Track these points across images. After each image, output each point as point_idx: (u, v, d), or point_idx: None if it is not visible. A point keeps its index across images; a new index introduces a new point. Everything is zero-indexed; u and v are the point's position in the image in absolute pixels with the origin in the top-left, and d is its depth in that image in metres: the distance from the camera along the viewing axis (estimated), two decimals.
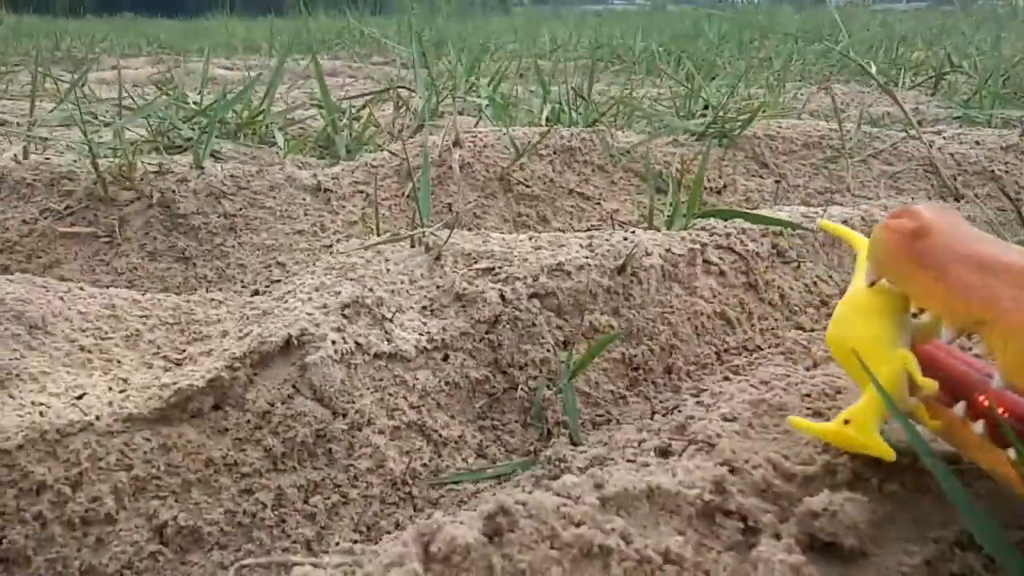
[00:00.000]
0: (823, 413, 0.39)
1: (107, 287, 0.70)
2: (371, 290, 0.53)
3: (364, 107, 1.22)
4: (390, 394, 0.49)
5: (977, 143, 1.04)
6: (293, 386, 0.46)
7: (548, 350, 0.54)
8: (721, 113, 1.00)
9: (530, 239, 0.61)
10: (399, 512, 0.45)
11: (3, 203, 0.79)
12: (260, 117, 1.03)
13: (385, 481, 0.46)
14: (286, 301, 0.52)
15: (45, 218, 0.78)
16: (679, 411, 0.44)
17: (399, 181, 0.90)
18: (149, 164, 0.83)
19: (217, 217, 0.81)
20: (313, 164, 0.97)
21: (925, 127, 1.30)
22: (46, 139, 0.93)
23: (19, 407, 0.45)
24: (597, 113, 1.03)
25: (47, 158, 0.84)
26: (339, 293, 0.52)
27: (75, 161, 0.83)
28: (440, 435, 0.48)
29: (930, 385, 0.31)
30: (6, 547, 0.37)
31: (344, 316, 0.50)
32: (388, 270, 0.57)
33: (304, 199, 0.86)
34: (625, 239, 0.61)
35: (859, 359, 0.31)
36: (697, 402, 0.45)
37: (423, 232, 0.59)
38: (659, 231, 0.66)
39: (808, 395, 0.40)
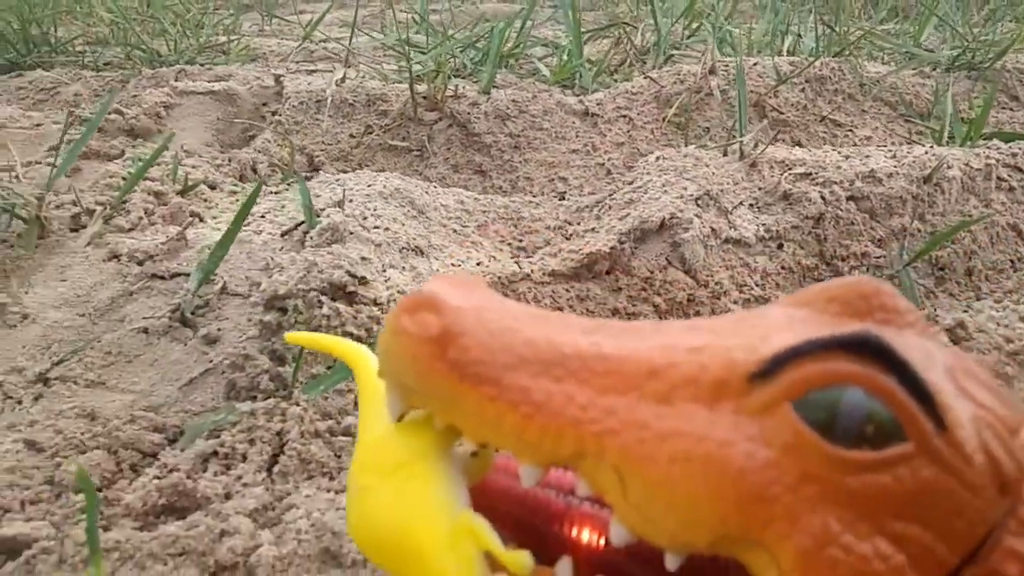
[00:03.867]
0: None
1: None
2: (710, 187, 0.61)
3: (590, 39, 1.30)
4: (738, 272, 0.57)
5: None
6: (667, 259, 0.56)
7: (865, 245, 0.61)
8: (971, 45, 1.01)
9: (835, 151, 0.68)
10: None
11: (332, 120, 0.93)
12: (519, 48, 1.12)
13: None
14: (646, 191, 0.61)
15: (368, 133, 0.91)
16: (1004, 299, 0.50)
17: (658, 107, 0.97)
18: (441, 84, 0.95)
19: (504, 136, 0.92)
20: (569, 92, 1.06)
21: None
22: (360, 64, 1.06)
23: (452, 266, 0.57)
24: (844, 43, 1.06)
25: (361, 82, 0.97)
26: (686, 188, 0.61)
27: (384, 85, 0.96)
28: None
29: (521, 563, 0.20)
30: None
31: (698, 205, 0.59)
32: (714, 172, 0.65)
33: (574, 122, 0.95)
34: (926, 153, 0.66)
35: (409, 558, 0.20)
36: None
37: (741, 141, 0.67)
38: (950, 148, 0.71)
39: None
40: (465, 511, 0.20)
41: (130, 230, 0.60)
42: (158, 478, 0.37)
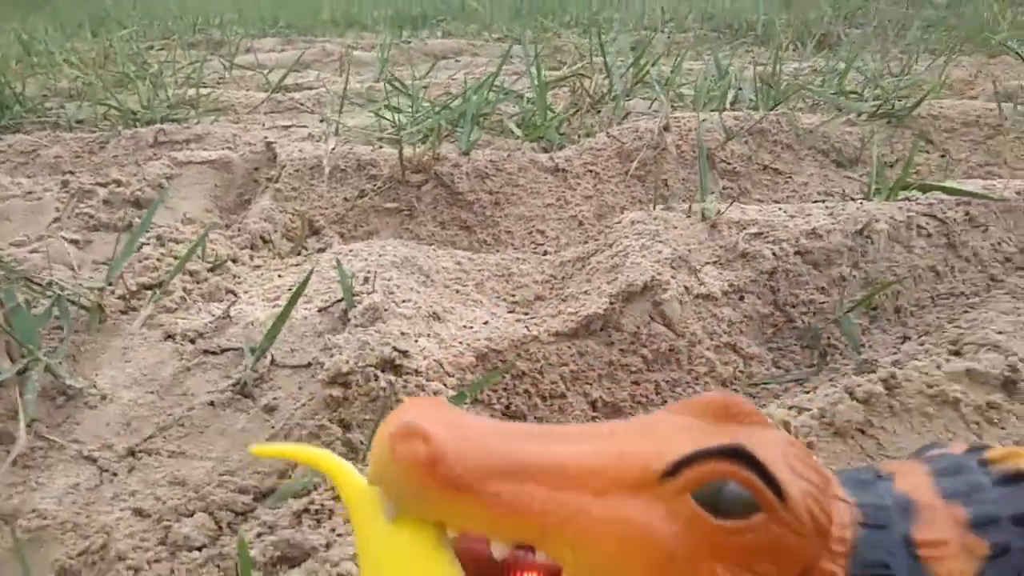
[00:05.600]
0: None
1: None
2: (679, 249, 0.72)
3: (551, 87, 1.40)
4: (709, 322, 0.68)
5: None
6: (650, 315, 0.66)
7: (812, 293, 0.72)
8: (889, 96, 1.15)
9: (781, 210, 0.79)
10: None
11: (327, 185, 1.01)
12: (489, 106, 1.22)
13: (716, 381, 0.65)
14: (628, 256, 0.71)
15: (362, 196, 1.00)
16: (942, 331, 0.62)
17: (621, 162, 1.08)
18: (428, 150, 1.04)
19: (485, 194, 1.02)
20: (536, 149, 1.16)
21: None
22: (349, 129, 1.14)
23: (465, 328, 0.66)
24: (780, 96, 1.18)
25: (351, 148, 1.05)
26: (660, 251, 0.71)
27: (372, 150, 1.05)
28: (746, 352, 0.67)
29: None
30: (512, 409, 0.58)
31: (672, 267, 0.69)
32: (681, 234, 0.76)
33: (547, 178, 1.05)
34: (858, 208, 0.78)
35: None
36: (954, 325, 0.62)
37: (704, 206, 0.78)
38: (874, 201, 0.83)
39: None
40: None
41: (175, 310, 0.67)
42: (262, 534, 0.45)
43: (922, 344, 0.61)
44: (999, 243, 0.85)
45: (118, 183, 0.98)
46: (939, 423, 0.46)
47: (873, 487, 0.27)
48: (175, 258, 0.76)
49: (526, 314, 0.73)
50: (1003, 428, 0.46)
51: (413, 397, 0.34)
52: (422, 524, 0.27)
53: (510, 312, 0.74)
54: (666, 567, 0.25)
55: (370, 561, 0.27)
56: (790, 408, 0.51)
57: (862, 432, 0.46)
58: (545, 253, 0.91)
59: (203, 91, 1.74)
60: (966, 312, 0.68)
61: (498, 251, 0.96)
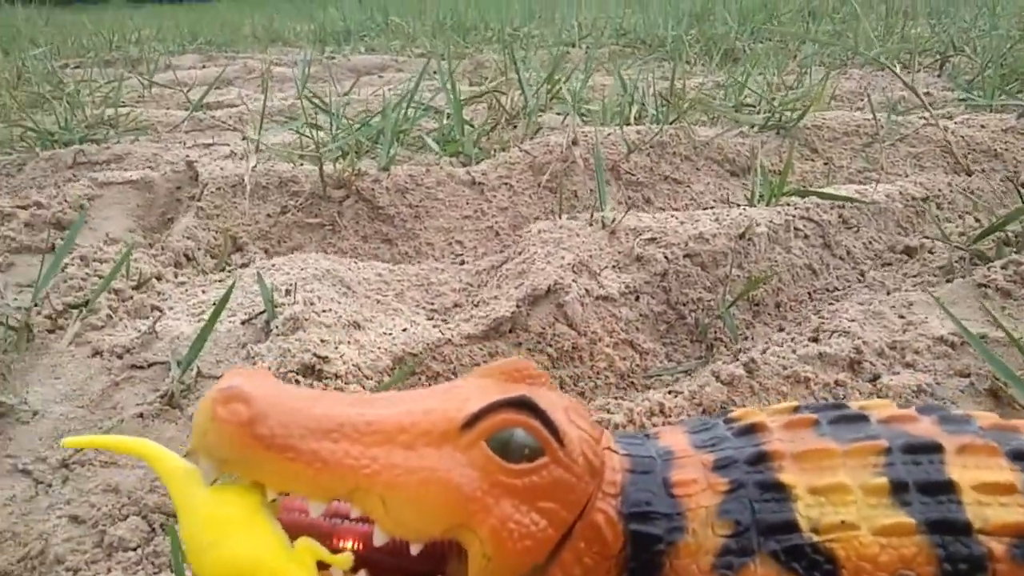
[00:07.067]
0: (904, 316, 0.64)
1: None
2: (581, 255, 0.78)
3: (468, 102, 1.46)
4: (608, 321, 0.74)
5: (982, 126, 1.28)
6: (554, 317, 0.72)
7: (700, 292, 0.80)
8: (777, 109, 1.25)
9: (673, 217, 0.87)
10: (629, 393, 0.71)
11: (250, 202, 1.04)
12: (408, 123, 1.27)
13: (616, 375, 0.71)
14: (534, 262, 0.77)
15: (284, 213, 1.03)
16: (808, 322, 0.70)
17: (533, 174, 1.15)
18: (347, 167, 1.08)
19: (405, 207, 1.06)
20: (455, 163, 1.22)
21: (936, 108, 1.55)
22: (270, 147, 1.17)
23: (385, 335, 0.71)
24: (679, 111, 1.27)
25: (272, 166, 1.09)
26: (564, 257, 0.77)
27: (293, 167, 1.08)
28: (642, 347, 0.74)
29: (345, 560, 0.30)
30: None
31: (574, 271, 0.75)
32: (583, 241, 0.82)
33: (464, 191, 1.11)
34: (740, 214, 0.86)
35: None
36: (819, 316, 0.71)
37: (603, 216, 0.85)
38: (757, 208, 0.92)
39: (893, 306, 0.66)
40: (302, 539, 0.29)
41: (102, 327, 0.70)
42: None
43: (789, 333, 0.69)
44: (870, 241, 0.95)
45: (39, 205, 0.99)
46: (791, 399, 0.54)
47: (642, 444, 0.33)
48: (100, 277, 0.78)
49: (444, 320, 0.79)
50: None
51: (238, 367, 0.37)
52: (242, 492, 0.29)
53: (428, 319, 0.80)
54: (464, 507, 0.29)
55: (193, 532, 0.28)
56: (668, 392, 0.58)
57: (725, 410, 0.53)
58: (462, 263, 0.96)
59: (122, 110, 1.73)
60: (830, 304, 0.77)
61: (419, 262, 1.01)
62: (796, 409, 0.33)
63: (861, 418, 0.32)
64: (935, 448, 0.30)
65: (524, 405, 0.30)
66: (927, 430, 0.31)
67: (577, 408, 0.33)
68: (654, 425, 0.53)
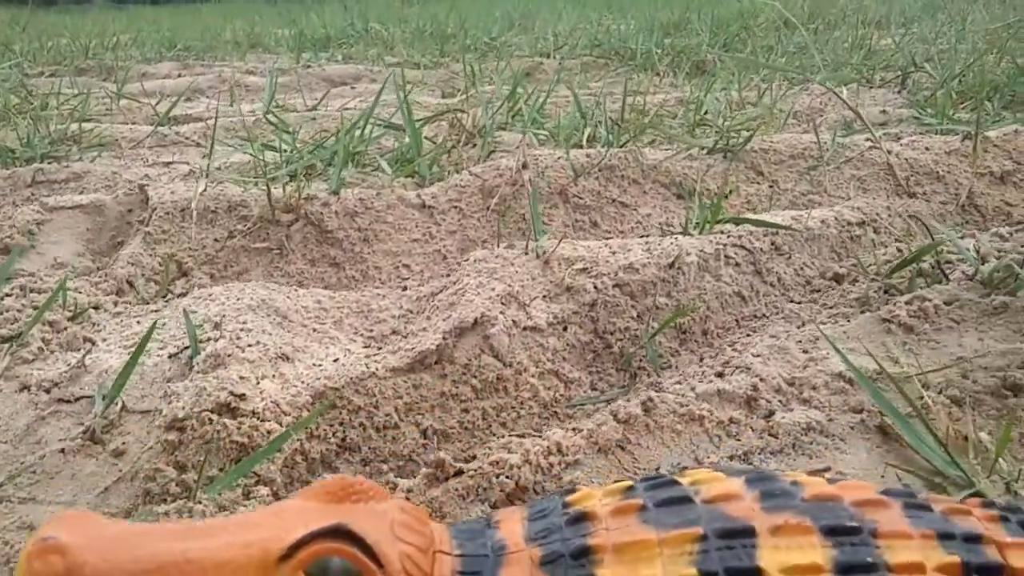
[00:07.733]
0: (808, 351, 0.67)
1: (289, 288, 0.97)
2: (512, 285, 0.80)
3: (426, 123, 1.48)
4: (535, 352, 0.76)
5: (927, 148, 1.31)
6: (480, 349, 0.74)
7: (628, 321, 0.82)
8: (725, 132, 1.28)
9: (606, 246, 0.89)
10: (550, 423, 0.72)
11: (197, 227, 1.05)
12: (363, 145, 1.29)
13: (539, 404, 0.73)
14: (464, 293, 0.79)
15: (232, 237, 1.05)
16: (722, 354, 0.72)
17: (483, 198, 1.17)
18: (295, 191, 1.10)
19: (354, 231, 1.08)
20: (409, 185, 1.23)
21: (891, 127, 1.58)
22: (219, 172, 1.19)
23: (314, 367, 0.72)
24: (629, 134, 1.29)
25: (222, 190, 1.10)
26: (494, 289, 0.79)
27: (243, 191, 1.10)
28: (568, 377, 0.76)
29: None
30: (347, 442, 0.65)
31: (503, 303, 0.77)
32: (517, 271, 0.84)
33: (414, 214, 1.13)
34: (671, 244, 0.88)
35: None
36: (733, 349, 0.73)
37: (538, 246, 0.87)
38: (692, 235, 0.94)
39: (800, 341, 0.68)
40: None
41: (33, 360, 0.71)
42: None
43: (705, 364, 0.71)
44: (801, 268, 0.97)
45: None
46: (686, 438, 0.56)
47: (480, 536, 0.35)
48: (35, 308, 0.79)
49: (379, 348, 0.80)
50: (739, 440, 0.56)
51: (60, 513, 0.37)
52: None
53: (365, 347, 0.81)
54: None
55: None
56: (569, 430, 0.60)
57: (621, 448, 0.55)
58: (405, 288, 0.98)
59: (87, 125, 1.74)
60: (747, 336, 0.79)
61: (365, 286, 1.03)
62: (629, 489, 0.35)
63: (686, 500, 0.33)
64: (748, 532, 0.31)
65: (341, 532, 0.31)
66: (746, 511, 0.32)
67: (408, 519, 0.34)
68: (551, 465, 0.55)
